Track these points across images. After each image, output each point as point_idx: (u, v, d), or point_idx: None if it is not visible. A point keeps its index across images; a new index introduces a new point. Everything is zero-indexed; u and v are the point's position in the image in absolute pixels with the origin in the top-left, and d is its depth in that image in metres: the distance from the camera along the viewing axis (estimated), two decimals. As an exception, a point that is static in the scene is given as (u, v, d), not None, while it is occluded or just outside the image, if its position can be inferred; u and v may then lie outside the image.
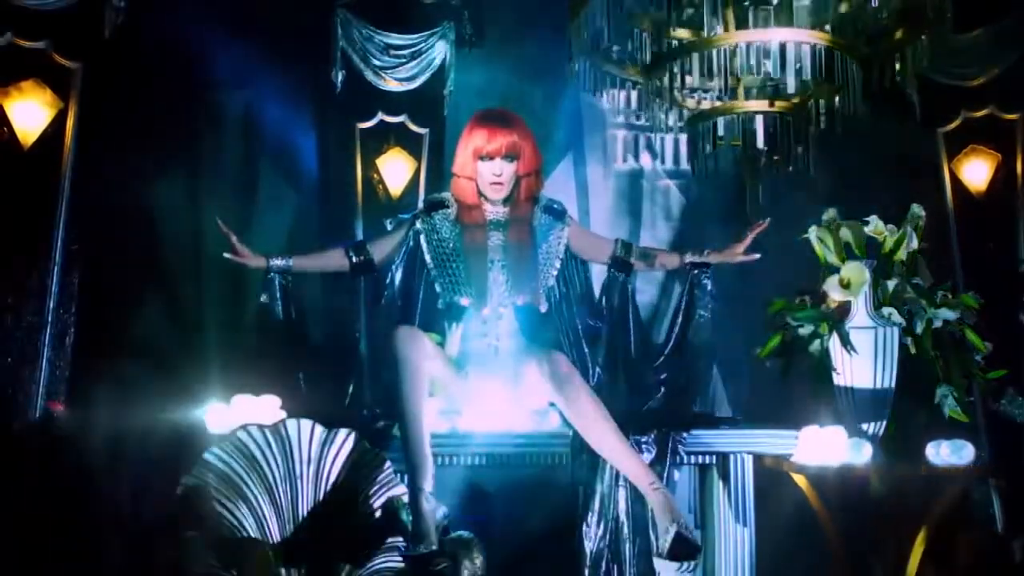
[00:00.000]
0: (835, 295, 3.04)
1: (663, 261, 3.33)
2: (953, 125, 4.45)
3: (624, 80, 4.05)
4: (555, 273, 3.17)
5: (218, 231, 3.11)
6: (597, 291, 3.33)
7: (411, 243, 3.20)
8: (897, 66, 3.70)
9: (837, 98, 3.78)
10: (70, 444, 3.62)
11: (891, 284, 3.09)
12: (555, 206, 3.28)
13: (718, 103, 3.98)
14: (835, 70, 3.57)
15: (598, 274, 3.39)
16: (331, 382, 3.20)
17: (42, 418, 3.52)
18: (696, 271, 3.24)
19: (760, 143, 3.83)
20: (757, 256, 3.24)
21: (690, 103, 4.09)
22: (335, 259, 3.23)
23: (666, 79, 3.79)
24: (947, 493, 2.85)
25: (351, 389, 3.18)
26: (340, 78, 4.31)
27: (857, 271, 3.04)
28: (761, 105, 3.79)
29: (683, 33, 3.90)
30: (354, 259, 3.21)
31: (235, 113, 4.23)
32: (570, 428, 2.88)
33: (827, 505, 2.86)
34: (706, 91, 4.01)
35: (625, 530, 2.81)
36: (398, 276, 3.20)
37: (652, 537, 2.74)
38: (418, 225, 3.20)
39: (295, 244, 4.17)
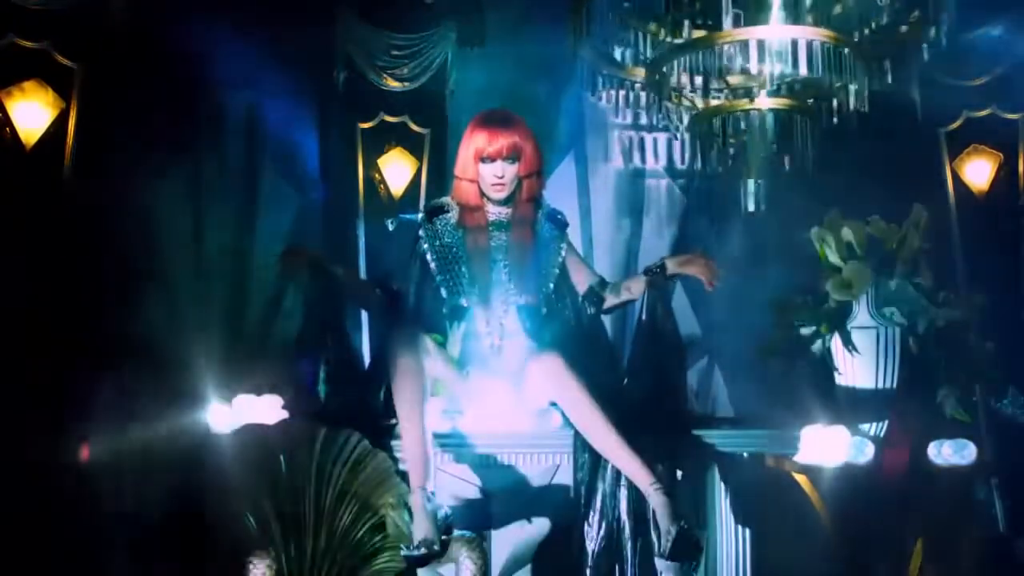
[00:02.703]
0: (837, 295, 3.04)
1: (631, 286, 3.29)
2: (955, 125, 4.45)
3: (625, 80, 4.04)
4: (553, 280, 3.17)
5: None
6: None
7: (418, 254, 3.19)
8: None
9: (840, 96, 3.77)
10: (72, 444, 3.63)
11: (893, 284, 3.10)
12: (559, 216, 3.28)
13: (720, 102, 3.97)
14: (838, 68, 3.56)
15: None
16: (335, 381, 3.20)
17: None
18: (654, 276, 3.22)
19: (770, 141, 3.82)
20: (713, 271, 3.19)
21: (690, 102, 4.09)
22: (372, 300, 3.25)
23: (667, 78, 3.78)
24: (948, 493, 2.85)
25: (354, 388, 3.18)
26: (342, 78, 4.30)
27: (859, 271, 3.04)
28: (762, 103, 3.78)
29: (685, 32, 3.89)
30: (381, 294, 3.21)
31: (237, 113, 4.23)
32: (571, 428, 2.88)
33: (828, 505, 2.86)
34: (706, 90, 4.00)
35: (626, 530, 2.81)
36: (406, 284, 3.20)
37: (653, 537, 2.74)
38: (420, 234, 3.19)
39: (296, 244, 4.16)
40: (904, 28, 3.57)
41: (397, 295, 3.19)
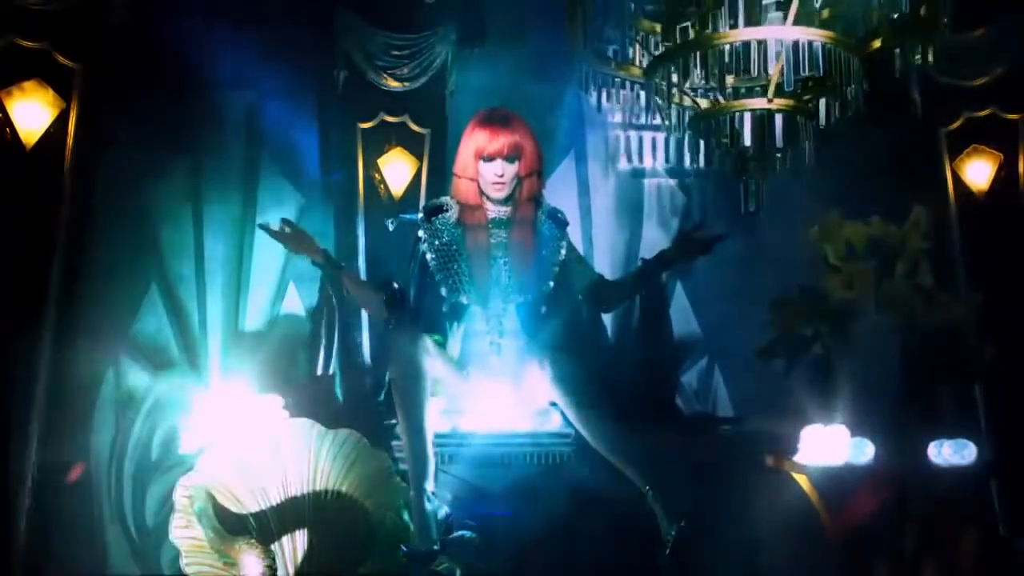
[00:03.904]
0: (837, 295, 3.04)
1: (631, 283, 3.28)
2: (955, 125, 4.44)
3: (624, 80, 4.04)
4: (553, 279, 3.17)
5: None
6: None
7: (417, 254, 3.19)
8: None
9: (839, 96, 3.77)
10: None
11: (893, 284, 3.10)
12: (559, 215, 3.29)
13: (720, 102, 3.97)
14: (838, 68, 3.56)
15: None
16: (336, 381, 3.21)
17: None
18: (652, 270, 3.21)
19: (778, 142, 3.81)
20: (716, 237, 3.19)
21: (689, 102, 4.08)
22: (373, 298, 3.25)
23: (666, 78, 3.77)
24: (948, 493, 2.86)
25: (355, 388, 3.19)
26: (342, 78, 4.30)
27: (859, 271, 3.04)
28: (762, 103, 3.77)
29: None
30: (386, 298, 3.21)
31: (237, 113, 4.22)
32: (571, 428, 2.89)
33: (828, 505, 2.86)
34: (707, 89, 4.00)
35: (627, 530, 2.81)
36: (406, 284, 3.20)
37: (655, 537, 2.74)
38: (420, 234, 3.19)
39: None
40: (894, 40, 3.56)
41: (397, 294, 3.18)
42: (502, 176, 3.12)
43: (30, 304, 3.56)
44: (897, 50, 3.58)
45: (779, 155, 3.81)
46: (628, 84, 4.06)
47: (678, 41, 3.66)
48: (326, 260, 3.20)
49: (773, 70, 3.53)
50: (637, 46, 3.86)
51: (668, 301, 3.25)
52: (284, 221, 3.20)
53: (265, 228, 3.21)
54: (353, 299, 3.31)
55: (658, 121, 4.20)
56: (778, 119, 3.72)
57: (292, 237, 3.19)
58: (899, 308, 3.05)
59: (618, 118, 4.76)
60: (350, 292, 3.26)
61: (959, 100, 4.41)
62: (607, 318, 3.55)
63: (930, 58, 3.47)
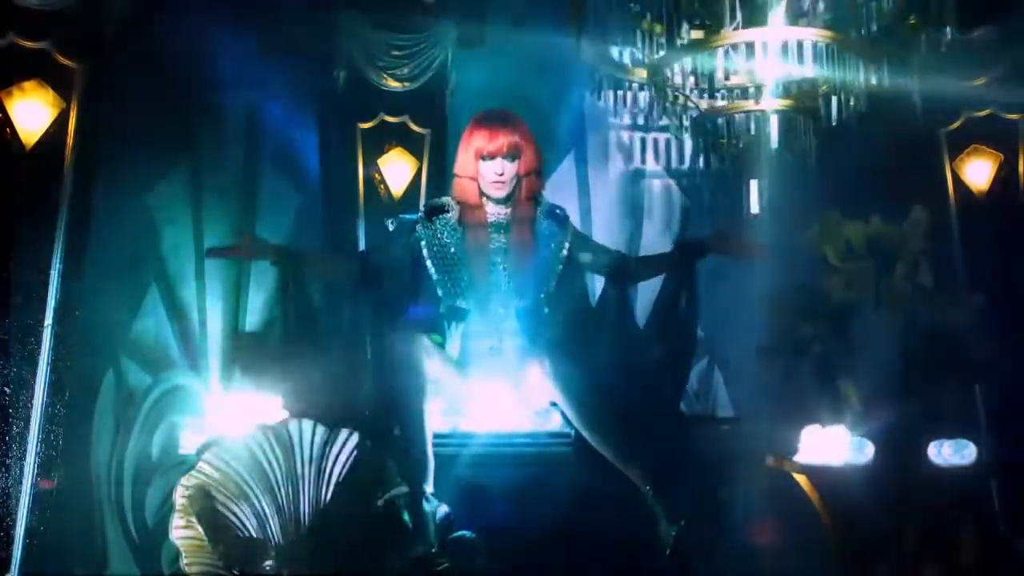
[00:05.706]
0: (837, 294, 3.04)
1: (660, 264, 3.28)
2: (955, 125, 4.45)
3: (626, 80, 4.04)
4: (556, 278, 3.16)
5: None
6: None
7: (413, 251, 3.18)
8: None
9: (841, 96, 3.77)
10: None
11: (893, 284, 3.10)
12: (558, 212, 3.28)
13: (723, 103, 3.97)
14: (840, 68, 3.56)
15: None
16: (334, 382, 3.20)
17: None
18: (683, 257, 3.20)
19: (774, 142, 3.81)
20: (753, 248, 3.20)
21: (690, 102, 4.08)
22: (346, 268, 3.25)
23: (668, 78, 3.77)
24: (948, 493, 2.86)
25: (354, 388, 3.19)
26: (342, 78, 4.31)
27: (859, 271, 3.04)
28: (764, 104, 3.77)
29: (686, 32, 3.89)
30: (358, 266, 3.21)
31: (237, 113, 4.23)
32: (571, 428, 2.89)
33: (828, 505, 2.86)
34: (707, 90, 4.00)
35: (627, 530, 2.81)
36: (401, 282, 3.19)
37: (655, 537, 2.74)
38: (419, 230, 3.19)
39: (297, 244, 4.16)
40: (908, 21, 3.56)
41: (370, 271, 3.18)
42: (502, 175, 3.12)
43: (30, 304, 3.56)
44: (898, 49, 3.59)
45: (779, 155, 3.82)
46: (631, 85, 4.07)
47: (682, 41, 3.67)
48: (285, 256, 3.17)
49: (772, 71, 3.53)
50: (642, 44, 3.86)
51: (697, 294, 3.21)
52: (243, 233, 3.22)
53: (211, 252, 3.25)
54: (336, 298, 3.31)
55: (659, 122, 4.20)
56: (776, 119, 3.72)
57: (244, 248, 3.21)
58: (899, 308, 3.05)
59: (619, 118, 4.77)
60: (318, 268, 3.26)
61: (959, 100, 4.42)
62: (612, 320, 3.54)
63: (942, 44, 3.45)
